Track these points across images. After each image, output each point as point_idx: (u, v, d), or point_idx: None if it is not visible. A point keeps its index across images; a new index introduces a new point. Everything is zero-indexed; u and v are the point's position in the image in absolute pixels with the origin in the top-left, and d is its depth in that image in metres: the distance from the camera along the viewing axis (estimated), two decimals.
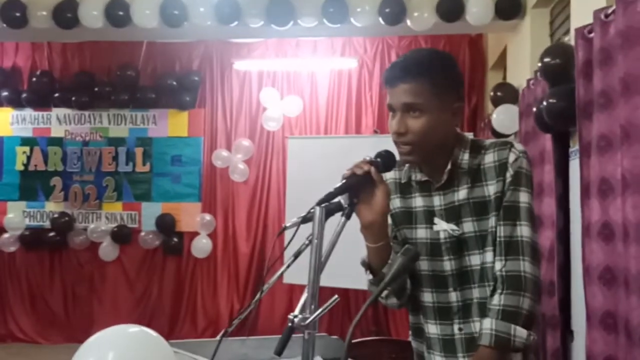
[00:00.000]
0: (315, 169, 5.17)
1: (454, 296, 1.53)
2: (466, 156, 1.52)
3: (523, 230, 1.46)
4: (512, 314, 1.41)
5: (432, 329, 1.57)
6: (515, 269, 1.44)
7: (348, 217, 1.40)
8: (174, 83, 6.50)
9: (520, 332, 1.40)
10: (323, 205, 1.33)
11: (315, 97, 6.44)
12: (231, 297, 6.40)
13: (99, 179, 6.57)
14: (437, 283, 1.55)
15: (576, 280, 3.07)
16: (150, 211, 6.49)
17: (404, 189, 1.61)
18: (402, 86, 1.45)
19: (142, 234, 6.47)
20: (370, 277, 1.55)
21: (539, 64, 3.28)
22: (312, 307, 1.25)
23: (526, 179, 1.49)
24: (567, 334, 3.21)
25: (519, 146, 1.52)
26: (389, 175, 1.63)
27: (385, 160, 1.47)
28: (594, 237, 2.54)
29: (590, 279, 2.56)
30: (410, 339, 1.68)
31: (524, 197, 1.47)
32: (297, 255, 1.46)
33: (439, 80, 1.46)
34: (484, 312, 1.48)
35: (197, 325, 6.36)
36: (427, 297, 1.57)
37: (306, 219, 1.38)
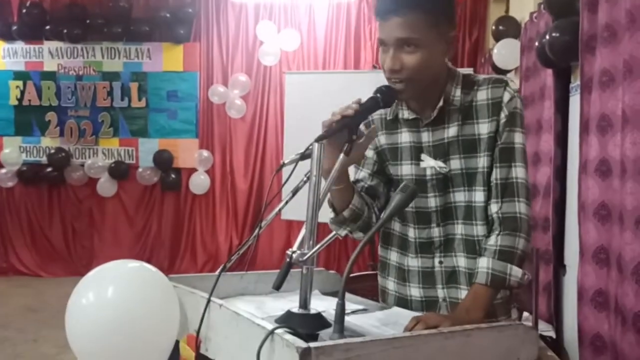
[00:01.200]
0: (313, 104, 5.11)
1: (436, 232, 1.54)
2: (458, 92, 1.48)
3: (518, 172, 1.45)
4: (508, 254, 1.42)
5: (412, 262, 1.58)
6: (511, 210, 1.44)
7: (347, 154, 1.38)
8: (168, 15, 6.34)
9: (516, 272, 1.42)
10: (322, 141, 1.31)
11: (313, 31, 6.31)
12: (230, 232, 6.49)
13: (94, 115, 6.52)
14: (420, 219, 1.55)
15: (570, 216, 3.10)
16: (147, 147, 6.48)
17: (390, 125, 1.58)
18: (395, 19, 1.37)
19: (140, 170, 6.48)
20: (332, 215, 1.54)
21: None
22: (310, 242, 1.26)
23: (520, 120, 1.46)
24: (559, 268, 3.28)
25: (512, 84, 1.48)
26: (376, 112, 1.58)
27: (384, 96, 1.44)
28: (591, 174, 2.54)
29: (586, 215, 2.58)
30: (378, 272, 1.68)
31: (518, 138, 1.45)
32: (295, 191, 1.45)
33: (433, 9, 1.38)
34: (467, 248, 1.50)
35: (197, 260, 6.47)
36: (410, 232, 1.57)
37: (305, 155, 1.37)
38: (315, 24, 6.30)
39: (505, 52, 4.33)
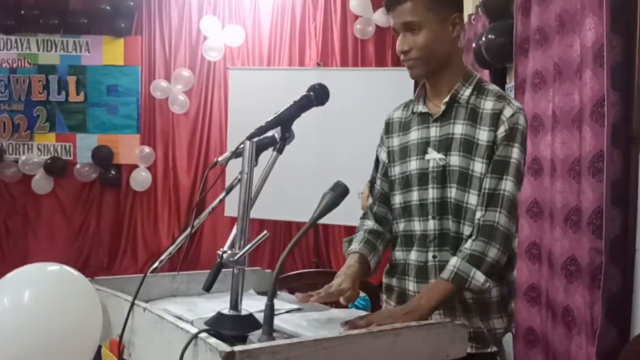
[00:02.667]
0: (257, 101, 5.08)
1: (432, 224, 1.58)
2: (467, 92, 1.57)
3: (507, 185, 1.50)
4: (477, 259, 1.46)
5: (412, 255, 1.62)
6: (491, 219, 1.49)
7: (280, 151, 1.38)
8: (108, 8, 6.14)
9: (479, 277, 1.45)
10: (254, 139, 1.30)
11: (257, 27, 6.25)
12: (172, 230, 6.36)
13: (29, 109, 6.25)
14: (421, 211, 1.60)
15: None
16: (86, 143, 6.27)
17: (406, 125, 1.67)
18: (400, 7, 1.53)
19: (78, 166, 6.27)
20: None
21: None
22: (242, 242, 1.24)
23: (521, 136, 1.52)
24: None
25: (516, 102, 1.56)
26: (396, 115, 1.71)
27: (318, 94, 1.44)
28: (524, 172, 2.62)
29: (519, 212, 2.66)
30: (394, 278, 1.70)
31: (515, 154, 1.51)
32: (229, 189, 1.44)
33: None
34: (454, 246, 1.55)
35: (138, 258, 6.32)
36: (416, 225, 1.62)
37: (237, 153, 1.35)
38: (260, 20, 6.25)
39: None
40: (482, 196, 1.51)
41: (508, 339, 2.86)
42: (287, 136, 1.39)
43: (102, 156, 6.22)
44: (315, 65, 5.84)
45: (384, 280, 1.74)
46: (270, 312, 1.11)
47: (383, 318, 1.32)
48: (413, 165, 1.61)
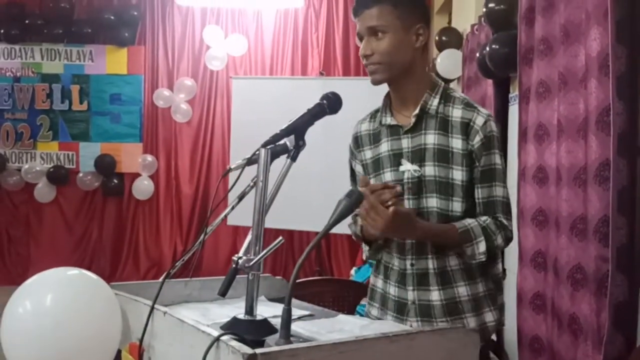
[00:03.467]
0: (260, 110, 5.11)
1: None
2: (435, 102, 1.60)
3: (498, 191, 1.58)
4: (488, 233, 1.53)
5: (395, 261, 1.66)
6: (495, 220, 1.58)
7: (294, 159, 1.40)
8: (112, 17, 6.19)
9: (482, 246, 1.52)
10: (268, 147, 1.31)
11: (260, 37, 6.29)
12: (174, 238, 6.37)
13: (32, 117, 6.28)
14: None
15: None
16: (89, 151, 6.29)
17: (375, 137, 1.69)
18: (367, 12, 1.55)
19: (80, 174, 6.29)
20: (367, 248, 1.71)
21: (484, 9, 3.29)
22: (257, 248, 1.25)
23: (497, 142, 1.58)
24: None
25: (484, 110, 1.60)
26: (364, 127, 1.73)
27: (331, 103, 1.46)
28: (529, 181, 2.64)
29: (524, 221, 2.67)
30: (378, 279, 1.74)
31: (497, 159, 1.58)
32: (241, 197, 1.45)
33: (399, 2, 1.55)
34: (435, 251, 1.58)
35: (140, 267, 6.32)
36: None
37: (251, 160, 1.37)
38: (263, 30, 6.29)
39: (448, 62, 4.44)
40: (479, 206, 1.58)
41: (514, 347, 2.86)
42: (300, 144, 1.41)
43: (105, 165, 6.24)
44: (318, 75, 5.87)
45: (371, 281, 1.77)
46: (288, 316, 1.13)
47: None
48: (387, 177, 1.64)
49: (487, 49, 3.14)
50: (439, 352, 1.22)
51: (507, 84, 3.34)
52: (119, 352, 1.24)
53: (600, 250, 2.03)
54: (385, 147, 1.65)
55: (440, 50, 4.56)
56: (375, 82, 1.61)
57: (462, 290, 1.59)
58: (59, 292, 1.11)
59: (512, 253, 3.09)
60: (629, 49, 1.94)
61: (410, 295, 1.61)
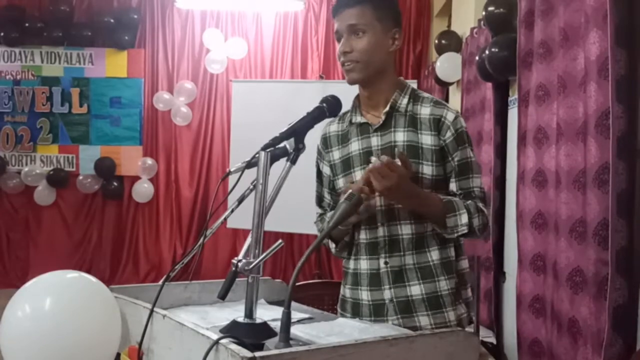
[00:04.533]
0: (260, 113, 5.11)
1: (381, 231, 1.62)
2: (405, 100, 1.63)
3: (475, 182, 1.63)
4: (469, 210, 1.56)
5: (364, 264, 1.65)
6: (475, 204, 1.61)
7: (293, 162, 1.40)
8: (112, 21, 6.20)
9: (464, 218, 1.54)
10: (268, 150, 1.32)
11: (260, 40, 6.30)
12: (174, 241, 6.37)
13: (32, 120, 6.29)
14: (369, 220, 1.63)
15: (510, 224, 3.21)
16: (89, 154, 6.29)
17: (344, 138, 1.70)
18: (348, 11, 1.59)
19: (80, 177, 6.28)
20: (334, 246, 1.71)
21: (483, 13, 3.30)
22: (256, 251, 1.25)
23: (467, 136, 1.63)
24: (499, 275, 3.37)
25: (452, 107, 1.65)
26: (332, 129, 1.74)
27: (330, 106, 1.47)
28: (528, 184, 2.64)
29: (523, 224, 2.68)
30: (346, 289, 1.74)
31: (470, 153, 1.62)
32: (241, 200, 1.45)
33: (380, 5, 1.60)
34: (417, 245, 1.60)
35: (139, 270, 6.32)
36: (362, 234, 1.65)
37: (251, 163, 1.37)
38: (263, 33, 6.30)
39: (447, 66, 4.45)
40: (459, 197, 1.60)
41: (513, 351, 2.86)
42: (300, 147, 1.41)
43: (105, 168, 6.24)
44: (318, 78, 5.88)
45: (341, 292, 1.76)
46: (287, 319, 1.12)
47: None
48: (358, 175, 1.64)
49: (487, 52, 3.15)
50: (439, 356, 1.22)
51: (506, 87, 3.35)
52: (118, 355, 1.24)
53: (600, 254, 2.03)
54: (355, 146, 1.67)
55: (439, 53, 4.57)
56: (352, 82, 1.64)
57: (443, 285, 1.60)
58: (58, 296, 1.11)
59: (511, 256, 3.09)
60: (628, 52, 1.94)
61: (387, 294, 1.61)
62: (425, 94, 1.67)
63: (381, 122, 1.63)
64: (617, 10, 1.94)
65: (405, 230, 1.60)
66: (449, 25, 5.30)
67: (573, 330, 2.23)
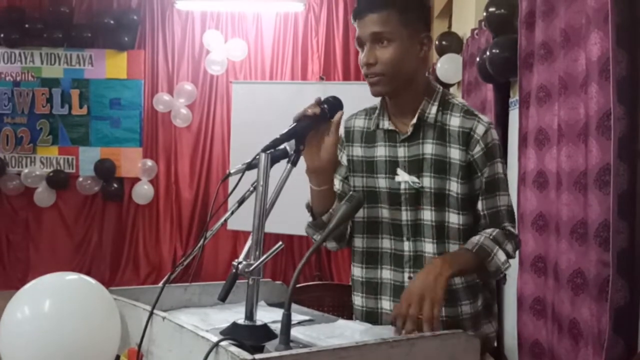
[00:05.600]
0: (260, 114, 5.11)
1: (406, 245, 1.57)
2: (434, 109, 1.52)
3: (502, 200, 1.53)
4: (498, 242, 1.47)
5: (386, 274, 1.60)
6: (503, 230, 1.52)
7: (294, 164, 1.40)
8: (112, 22, 6.21)
9: (501, 255, 1.46)
10: (269, 151, 1.31)
11: (260, 41, 6.30)
12: (174, 243, 6.37)
13: (32, 122, 6.29)
14: (394, 231, 1.58)
15: None
16: (89, 156, 6.29)
17: (369, 137, 1.61)
18: (371, 16, 1.45)
19: (80, 179, 6.28)
20: (310, 219, 1.58)
21: (484, 14, 3.30)
22: (257, 253, 1.25)
23: (499, 150, 1.53)
24: (500, 276, 3.36)
25: (485, 117, 1.53)
26: (358, 124, 1.63)
27: (331, 106, 1.46)
28: (529, 185, 2.63)
29: (524, 225, 2.67)
30: (358, 297, 1.67)
31: (500, 169, 1.53)
32: (241, 201, 1.45)
33: (406, 8, 1.46)
34: None
35: (140, 272, 6.32)
36: (386, 243, 1.60)
37: (251, 165, 1.36)
38: (263, 34, 6.30)
39: (448, 67, 4.44)
40: (484, 218, 1.52)
41: (514, 352, 2.86)
42: (301, 148, 1.41)
43: (105, 169, 6.24)
44: (318, 79, 5.88)
45: (353, 301, 1.69)
46: (287, 321, 1.12)
47: (416, 294, 1.28)
48: (382, 183, 1.58)
49: (488, 53, 3.14)
50: (440, 358, 1.21)
51: (507, 89, 3.34)
52: (117, 357, 1.24)
53: (601, 255, 2.02)
54: (381, 151, 1.58)
55: (440, 54, 4.56)
56: (376, 94, 1.53)
57: (466, 309, 1.55)
58: (57, 297, 1.10)
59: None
60: (629, 54, 1.94)
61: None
62: (457, 100, 1.56)
63: (409, 133, 1.53)
64: (618, 11, 1.93)
65: (428, 248, 1.54)
66: (450, 27, 5.29)
67: (574, 332, 2.23)
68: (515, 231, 1.56)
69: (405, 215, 1.56)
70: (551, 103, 2.47)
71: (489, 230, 1.50)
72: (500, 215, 1.53)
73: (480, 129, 1.49)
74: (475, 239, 1.47)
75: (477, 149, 1.49)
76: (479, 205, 1.53)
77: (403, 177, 1.55)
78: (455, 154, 1.50)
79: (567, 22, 2.28)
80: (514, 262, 2.85)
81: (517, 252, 1.55)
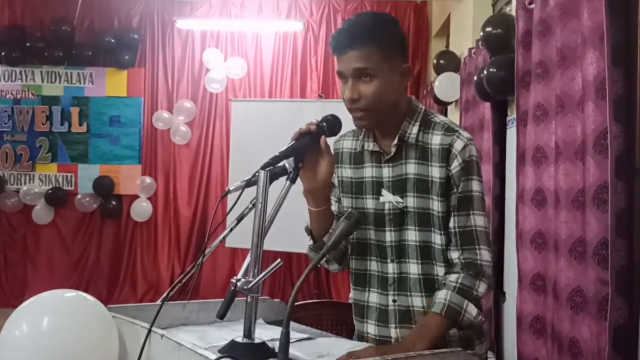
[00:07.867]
0: (259, 132, 5.13)
1: (391, 267, 1.56)
2: (415, 130, 1.53)
3: (476, 220, 1.49)
4: (468, 292, 1.44)
5: (373, 297, 1.60)
6: (473, 257, 1.48)
7: (293, 181, 1.41)
8: (112, 41, 6.25)
9: (472, 309, 1.43)
10: (268, 169, 1.32)
11: (260, 60, 6.35)
12: (172, 261, 6.35)
13: (32, 140, 6.30)
14: (380, 253, 1.58)
15: (509, 244, 3.20)
16: (88, 173, 6.30)
17: (358, 159, 1.62)
18: (352, 53, 1.45)
19: (79, 196, 6.28)
20: (311, 243, 1.59)
21: (481, 34, 3.33)
22: (256, 271, 1.25)
23: (477, 167, 1.50)
24: (499, 295, 3.36)
25: (465, 133, 1.52)
26: (346, 145, 1.65)
27: (330, 125, 1.47)
28: (528, 203, 2.64)
29: (523, 244, 2.67)
30: (355, 321, 1.68)
31: (476, 187, 1.49)
32: (240, 219, 1.45)
33: (387, 43, 1.47)
34: (425, 287, 1.52)
35: (137, 290, 6.28)
36: (374, 265, 1.60)
37: (250, 182, 1.37)
38: (262, 53, 6.35)
39: (446, 86, 4.48)
40: (455, 236, 1.49)
41: None
42: (300, 166, 1.41)
43: (104, 187, 6.24)
44: (317, 98, 5.91)
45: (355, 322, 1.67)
46: (286, 339, 1.12)
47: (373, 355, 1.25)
48: (370, 204, 1.58)
49: (485, 72, 3.17)
50: None
51: (505, 107, 3.36)
52: None
53: (600, 273, 2.02)
54: (369, 172, 1.58)
55: (438, 73, 4.60)
56: (362, 128, 1.55)
57: (454, 332, 1.51)
58: (56, 315, 1.10)
59: (511, 276, 3.07)
60: (625, 73, 1.95)
61: (394, 333, 1.55)
62: (438, 119, 1.55)
63: (392, 153, 1.53)
64: (614, 31, 1.96)
65: (413, 269, 1.53)
66: (448, 46, 5.34)
67: (574, 351, 2.22)
68: (489, 255, 1.50)
69: (389, 237, 1.55)
70: (548, 122, 2.49)
71: (453, 278, 1.46)
72: (474, 236, 1.48)
73: (459, 144, 1.48)
74: (441, 296, 1.44)
75: (455, 164, 1.48)
76: (451, 223, 1.49)
77: (387, 197, 1.55)
78: (436, 172, 1.49)
79: (564, 42, 2.30)
80: (513, 281, 2.84)
81: (490, 283, 1.50)
